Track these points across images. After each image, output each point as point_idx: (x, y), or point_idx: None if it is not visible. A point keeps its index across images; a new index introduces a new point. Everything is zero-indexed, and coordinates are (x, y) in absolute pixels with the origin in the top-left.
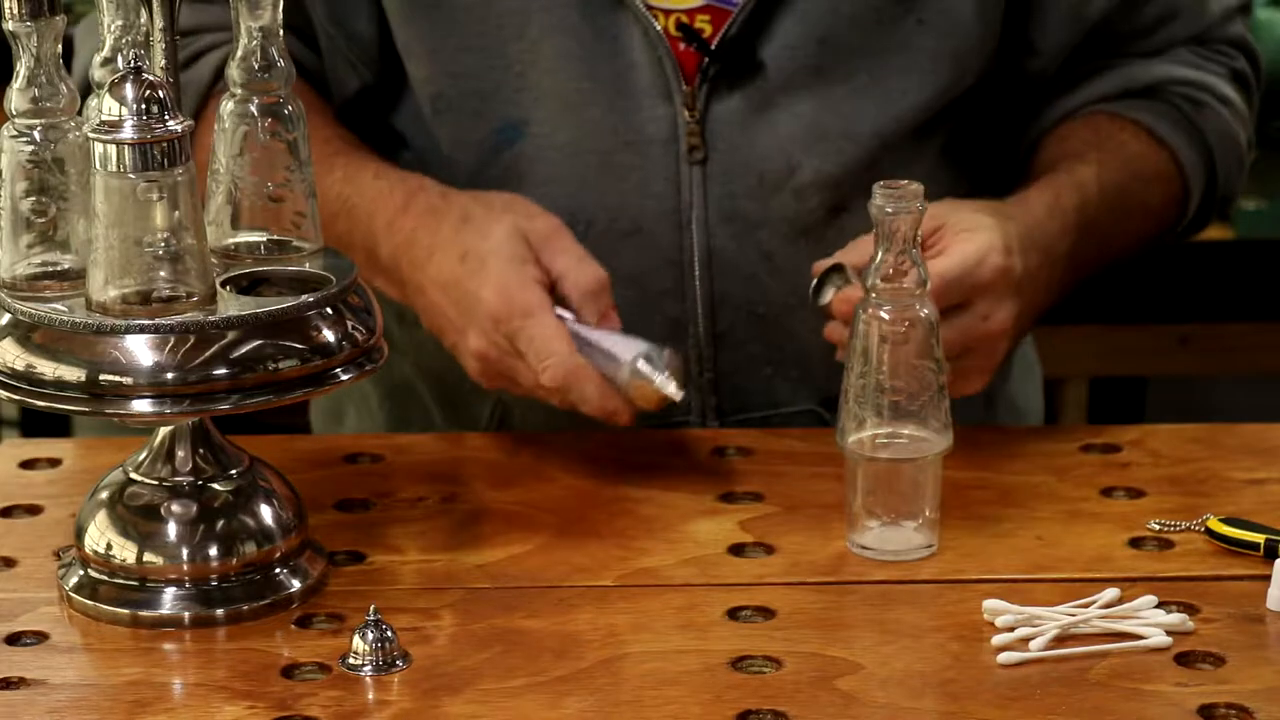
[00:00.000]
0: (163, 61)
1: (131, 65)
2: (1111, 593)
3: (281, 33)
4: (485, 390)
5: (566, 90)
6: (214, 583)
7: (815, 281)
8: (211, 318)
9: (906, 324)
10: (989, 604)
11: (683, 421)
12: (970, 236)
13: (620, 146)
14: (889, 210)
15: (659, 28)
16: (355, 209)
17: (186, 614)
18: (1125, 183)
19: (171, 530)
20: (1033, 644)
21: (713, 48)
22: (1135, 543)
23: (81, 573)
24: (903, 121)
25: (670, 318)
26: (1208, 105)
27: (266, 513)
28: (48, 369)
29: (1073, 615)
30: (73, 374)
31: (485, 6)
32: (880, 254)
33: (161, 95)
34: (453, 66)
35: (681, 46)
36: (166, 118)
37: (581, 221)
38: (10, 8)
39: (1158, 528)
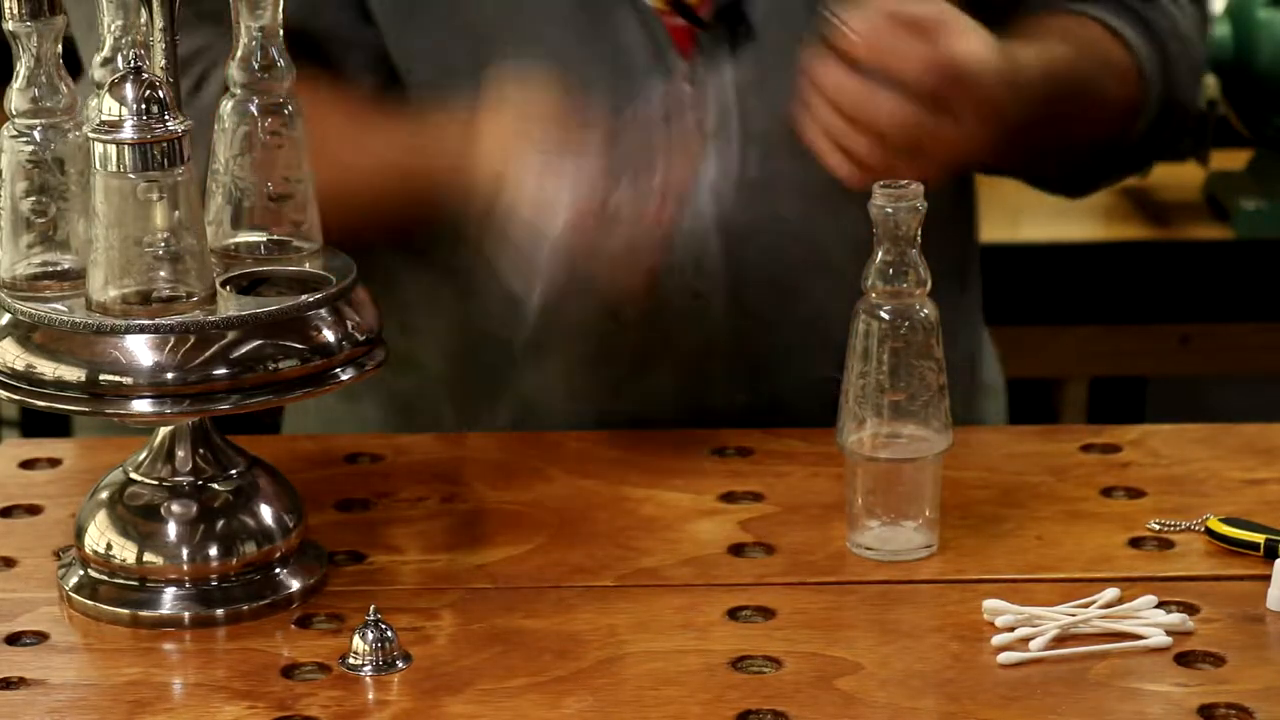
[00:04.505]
0: (163, 61)
1: (131, 65)
2: (1111, 593)
3: (281, 32)
4: (502, 390)
5: (563, 78)
6: (214, 583)
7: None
8: (211, 318)
9: (906, 324)
10: (989, 604)
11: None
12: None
13: (624, 127)
14: (889, 210)
15: (650, 3)
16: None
17: (186, 614)
18: (1085, 66)
19: (171, 530)
20: (1033, 644)
21: (704, 19)
22: (1135, 543)
23: (81, 573)
24: None
25: (690, 290)
26: (1158, 3)
27: (266, 513)
28: (48, 369)
29: (1073, 615)
30: (73, 374)
31: (473, 2)
32: (880, 254)
33: (161, 95)
34: (445, 61)
35: (674, 21)
36: (166, 118)
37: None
38: (10, 8)
39: (1158, 528)
